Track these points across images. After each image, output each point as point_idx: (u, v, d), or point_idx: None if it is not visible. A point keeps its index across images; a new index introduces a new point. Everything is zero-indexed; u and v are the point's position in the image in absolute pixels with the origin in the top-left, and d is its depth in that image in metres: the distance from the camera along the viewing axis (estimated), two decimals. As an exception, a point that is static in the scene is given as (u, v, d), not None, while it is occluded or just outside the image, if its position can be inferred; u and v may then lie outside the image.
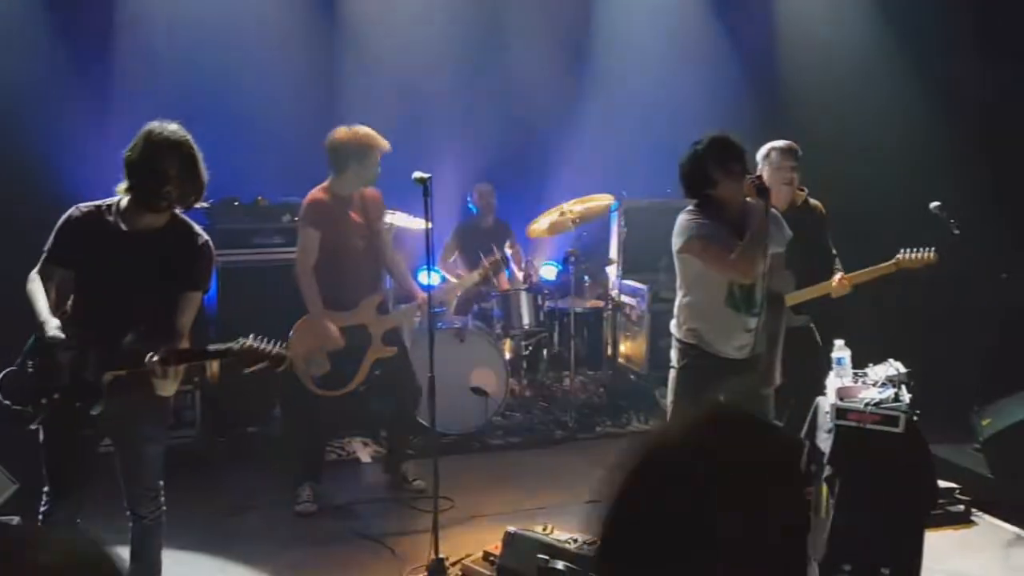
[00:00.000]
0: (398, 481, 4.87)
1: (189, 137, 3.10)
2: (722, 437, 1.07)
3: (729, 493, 1.00)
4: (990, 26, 5.69)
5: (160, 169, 3.01)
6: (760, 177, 3.46)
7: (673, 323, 3.72)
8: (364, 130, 4.57)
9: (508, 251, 6.67)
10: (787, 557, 1.06)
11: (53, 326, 2.99)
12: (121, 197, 3.13)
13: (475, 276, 5.05)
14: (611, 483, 1.09)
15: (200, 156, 3.11)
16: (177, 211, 3.18)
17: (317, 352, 4.52)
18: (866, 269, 4.54)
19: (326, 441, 5.11)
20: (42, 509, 3.17)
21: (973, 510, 4.49)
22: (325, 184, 4.62)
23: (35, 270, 3.13)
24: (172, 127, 3.08)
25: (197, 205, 3.23)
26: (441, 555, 3.78)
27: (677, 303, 3.70)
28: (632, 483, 1.07)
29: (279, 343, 3.14)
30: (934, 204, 4.77)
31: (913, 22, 6.19)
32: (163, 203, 3.07)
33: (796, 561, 1.09)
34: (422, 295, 4.75)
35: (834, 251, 4.61)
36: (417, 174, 3.80)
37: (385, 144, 4.59)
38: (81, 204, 3.16)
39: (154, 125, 3.07)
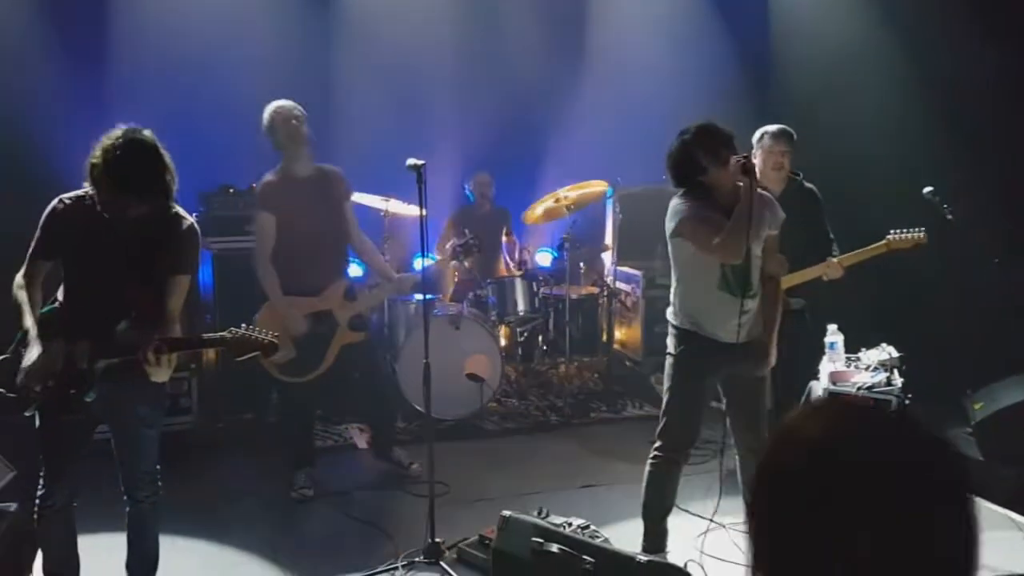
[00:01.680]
0: (394, 467, 4.88)
1: (150, 147, 3.00)
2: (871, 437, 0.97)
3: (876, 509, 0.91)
4: (987, 10, 5.67)
5: (110, 190, 2.98)
6: (746, 156, 3.46)
7: (669, 309, 3.74)
8: (270, 104, 4.53)
9: (504, 240, 6.69)
10: None
11: (35, 353, 3.00)
12: None
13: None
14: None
15: (160, 161, 3.02)
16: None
17: (280, 338, 4.46)
18: (857, 251, 4.57)
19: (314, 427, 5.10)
20: (39, 494, 3.19)
21: (964, 493, 4.52)
22: (278, 167, 4.59)
23: (21, 272, 3.14)
24: (135, 141, 2.97)
25: (174, 188, 3.18)
26: (437, 539, 3.81)
27: (672, 289, 3.71)
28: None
29: (272, 333, 3.17)
30: (927, 189, 4.79)
31: (909, 7, 6.19)
32: (128, 215, 3.05)
33: None
34: (393, 276, 4.85)
35: (831, 235, 4.62)
36: (411, 161, 3.78)
37: (282, 104, 4.49)
38: (64, 195, 3.15)
39: (113, 140, 2.97)
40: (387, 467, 4.93)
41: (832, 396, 3.66)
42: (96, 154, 2.97)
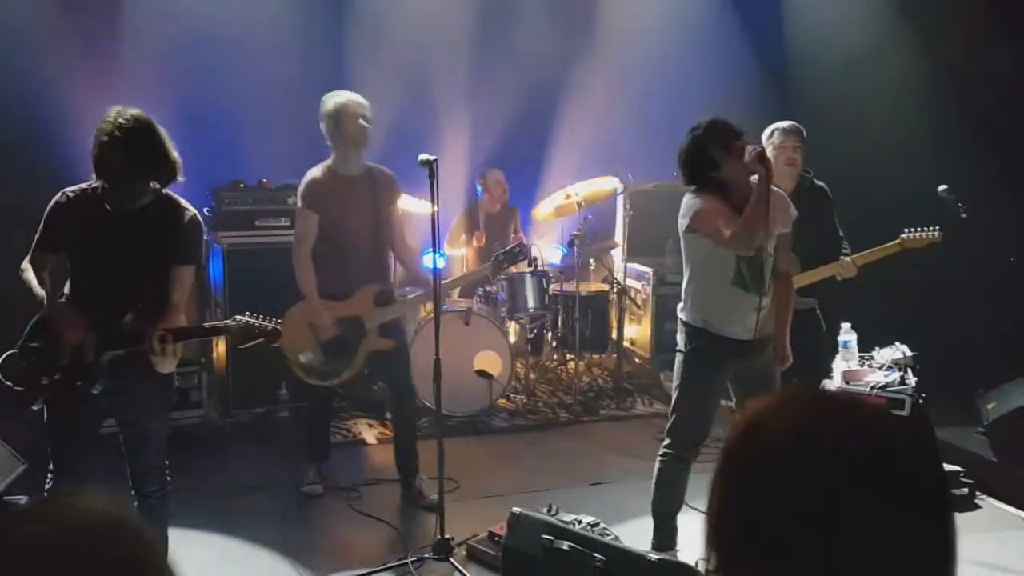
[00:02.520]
0: (413, 496, 4.50)
1: (144, 126, 3.00)
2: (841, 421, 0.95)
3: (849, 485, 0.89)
4: (1004, 7, 5.63)
5: (111, 170, 3.00)
6: (762, 149, 3.42)
7: (679, 306, 3.72)
8: (332, 94, 4.28)
9: (511, 237, 6.67)
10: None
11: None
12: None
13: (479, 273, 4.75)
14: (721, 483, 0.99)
15: (158, 138, 3.03)
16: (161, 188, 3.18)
17: (307, 340, 4.31)
18: (871, 250, 4.54)
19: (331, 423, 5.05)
20: (47, 487, 3.20)
21: (977, 493, 4.49)
22: (327, 163, 4.35)
23: (27, 259, 3.15)
24: (126, 119, 2.97)
25: (178, 179, 3.18)
26: (446, 535, 3.80)
27: (683, 285, 3.69)
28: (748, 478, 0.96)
29: (274, 320, 3.20)
30: (942, 187, 4.75)
31: (925, 3, 6.15)
32: (134, 197, 3.06)
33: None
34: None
35: (841, 233, 4.59)
36: (423, 157, 3.75)
37: (353, 98, 4.25)
38: (67, 188, 3.17)
39: (109, 120, 2.97)
40: (406, 495, 4.57)
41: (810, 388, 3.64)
42: (105, 131, 2.97)
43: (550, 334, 6.50)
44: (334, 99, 4.24)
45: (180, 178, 3.19)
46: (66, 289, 3.20)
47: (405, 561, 3.79)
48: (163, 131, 3.07)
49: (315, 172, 4.34)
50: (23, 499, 3.78)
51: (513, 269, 6.28)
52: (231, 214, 5.65)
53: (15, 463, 4.14)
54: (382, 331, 4.40)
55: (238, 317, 3.18)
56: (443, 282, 4.45)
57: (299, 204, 4.36)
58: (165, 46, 5.90)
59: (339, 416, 5.72)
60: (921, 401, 3.45)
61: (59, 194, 3.17)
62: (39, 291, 3.08)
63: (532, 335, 6.41)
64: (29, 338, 3.09)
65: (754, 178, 3.39)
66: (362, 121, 4.23)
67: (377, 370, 4.62)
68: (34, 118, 5.34)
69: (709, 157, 3.43)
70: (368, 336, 4.35)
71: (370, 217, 4.30)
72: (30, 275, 3.12)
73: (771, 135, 4.41)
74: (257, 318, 3.19)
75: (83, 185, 3.17)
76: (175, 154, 3.10)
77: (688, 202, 3.52)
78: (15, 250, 3.28)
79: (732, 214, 3.39)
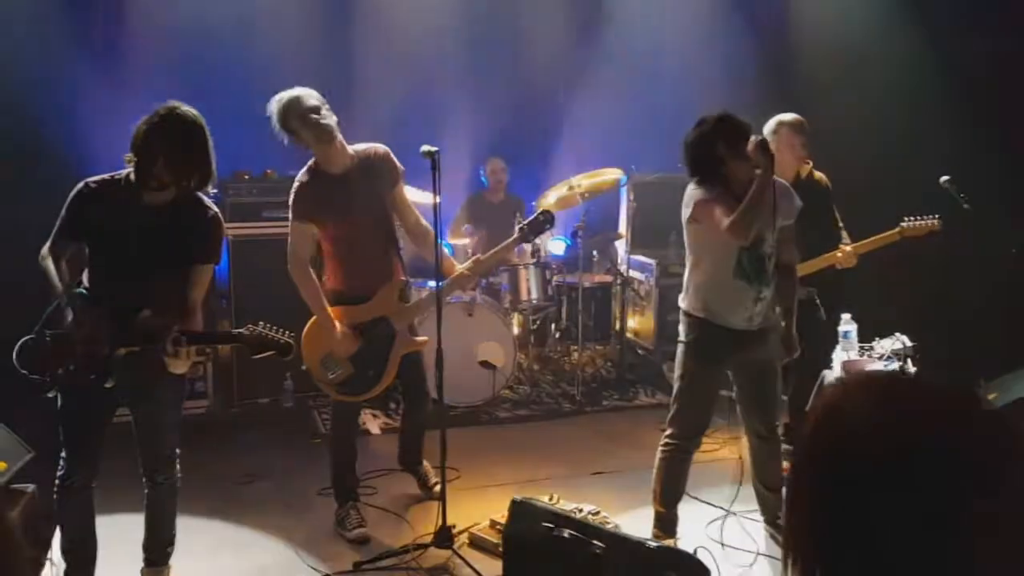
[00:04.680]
0: (419, 484, 4.51)
1: (194, 122, 3.07)
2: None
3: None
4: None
5: (152, 150, 3.01)
6: (764, 139, 3.43)
7: (681, 296, 3.73)
8: (274, 99, 3.82)
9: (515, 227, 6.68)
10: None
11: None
12: (129, 170, 3.15)
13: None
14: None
15: (206, 141, 3.09)
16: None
17: (332, 354, 3.98)
18: (870, 238, 4.55)
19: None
20: (58, 474, 3.23)
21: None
22: (310, 163, 3.93)
23: (46, 247, 3.14)
24: (183, 110, 3.06)
25: (208, 188, 3.22)
26: (449, 523, 3.83)
27: (686, 275, 3.70)
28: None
29: (288, 332, 3.21)
30: (944, 178, 4.75)
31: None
32: (153, 183, 3.06)
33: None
34: (456, 269, 4.12)
35: (840, 223, 4.61)
36: (426, 148, 3.73)
37: (292, 96, 3.76)
38: (90, 178, 3.17)
39: (168, 105, 3.06)
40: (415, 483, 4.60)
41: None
42: (159, 113, 3.01)
43: (553, 325, 6.52)
44: (273, 104, 3.79)
45: (211, 188, 3.23)
46: (84, 279, 3.20)
47: (407, 549, 3.82)
48: (210, 139, 3.10)
49: (302, 177, 3.91)
50: (30, 487, 3.81)
51: (515, 260, 6.32)
52: (236, 205, 5.68)
53: (23, 451, 4.18)
54: (412, 330, 4.15)
55: (252, 326, 3.17)
56: (479, 259, 4.17)
57: (290, 216, 3.93)
58: (170, 36, 5.91)
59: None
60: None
61: (81, 184, 3.15)
62: (56, 281, 3.08)
63: (535, 326, 6.43)
64: (45, 326, 3.09)
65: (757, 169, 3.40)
66: (313, 116, 3.72)
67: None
68: (37, 114, 5.36)
69: (714, 153, 3.44)
70: (398, 337, 4.04)
71: (374, 209, 3.94)
72: (49, 264, 3.11)
73: (776, 130, 4.40)
74: (271, 330, 3.18)
75: (106, 176, 3.17)
76: (214, 164, 3.12)
77: (690, 192, 3.54)
78: (29, 238, 3.30)
79: (733, 204, 3.40)
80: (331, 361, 3.99)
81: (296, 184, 3.92)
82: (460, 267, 4.14)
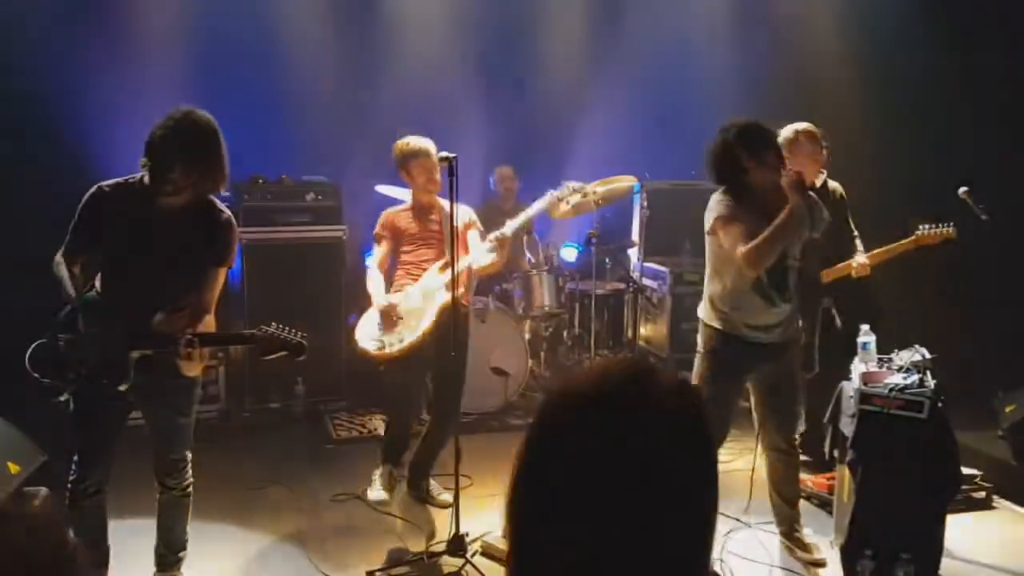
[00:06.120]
0: (422, 495, 4.48)
1: (209, 126, 3.06)
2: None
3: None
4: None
5: (167, 155, 3.00)
6: (800, 173, 3.38)
7: (700, 305, 3.70)
8: (409, 141, 4.35)
9: (524, 237, 6.65)
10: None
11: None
12: (144, 173, 3.14)
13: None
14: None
15: (221, 146, 3.08)
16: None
17: (382, 329, 4.21)
18: (885, 247, 4.51)
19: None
20: (71, 478, 3.21)
21: (995, 497, 4.46)
22: (406, 203, 4.52)
23: (60, 252, 3.13)
24: (198, 115, 3.05)
25: (221, 191, 3.21)
26: (462, 532, 3.81)
27: (705, 284, 3.67)
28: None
29: (300, 334, 3.18)
30: (962, 189, 4.70)
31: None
32: (167, 187, 3.05)
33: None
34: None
35: (855, 232, 4.57)
36: (443, 154, 3.76)
37: (420, 147, 4.29)
38: (104, 182, 3.16)
39: (183, 109, 3.05)
40: (415, 496, 4.52)
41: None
42: (173, 117, 3.01)
43: (566, 332, 6.49)
44: (405, 146, 4.32)
45: (223, 191, 3.22)
46: (97, 283, 3.19)
47: (420, 557, 3.80)
48: (224, 143, 3.10)
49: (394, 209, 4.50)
50: (43, 490, 3.81)
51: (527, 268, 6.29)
52: (250, 209, 5.68)
53: (35, 455, 4.18)
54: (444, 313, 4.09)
55: (265, 327, 3.15)
56: (513, 224, 4.54)
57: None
58: (187, 40, 5.93)
59: (355, 412, 5.74)
60: (941, 404, 3.42)
61: (95, 187, 3.14)
62: (70, 287, 3.07)
63: (548, 333, 6.41)
64: (58, 330, 3.08)
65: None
66: (438, 177, 4.28)
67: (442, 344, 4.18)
68: (58, 116, 5.38)
69: (737, 161, 3.40)
70: (434, 295, 4.19)
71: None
72: (63, 270, 3.09)
73: (795, 139, 4.33)
74: (283, 330, 3.16)
75: (120, 179, 3.16)
76: (227, 168, 3.12)
77: (713, 202, 3.50)
78: (44, 243, 3.28)
79: (753, 222, 3.36)
80: (389, 334, 4.21)
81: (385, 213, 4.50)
82: (494, 233, 4.44)
